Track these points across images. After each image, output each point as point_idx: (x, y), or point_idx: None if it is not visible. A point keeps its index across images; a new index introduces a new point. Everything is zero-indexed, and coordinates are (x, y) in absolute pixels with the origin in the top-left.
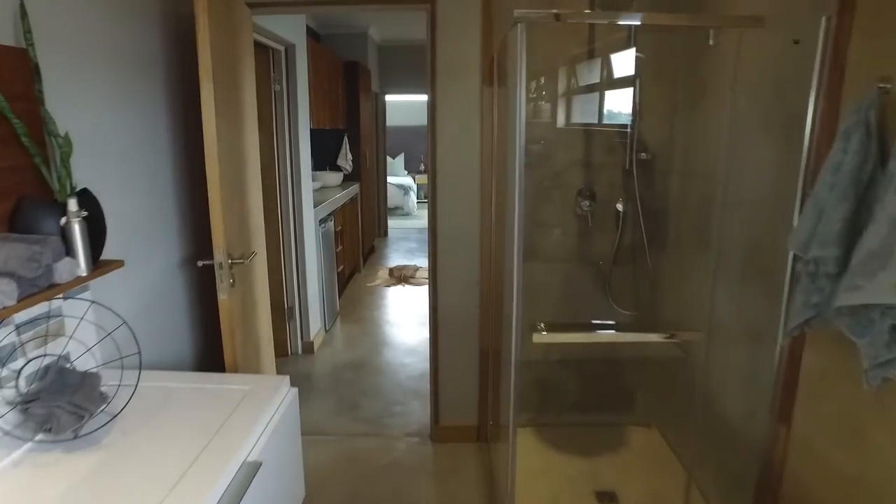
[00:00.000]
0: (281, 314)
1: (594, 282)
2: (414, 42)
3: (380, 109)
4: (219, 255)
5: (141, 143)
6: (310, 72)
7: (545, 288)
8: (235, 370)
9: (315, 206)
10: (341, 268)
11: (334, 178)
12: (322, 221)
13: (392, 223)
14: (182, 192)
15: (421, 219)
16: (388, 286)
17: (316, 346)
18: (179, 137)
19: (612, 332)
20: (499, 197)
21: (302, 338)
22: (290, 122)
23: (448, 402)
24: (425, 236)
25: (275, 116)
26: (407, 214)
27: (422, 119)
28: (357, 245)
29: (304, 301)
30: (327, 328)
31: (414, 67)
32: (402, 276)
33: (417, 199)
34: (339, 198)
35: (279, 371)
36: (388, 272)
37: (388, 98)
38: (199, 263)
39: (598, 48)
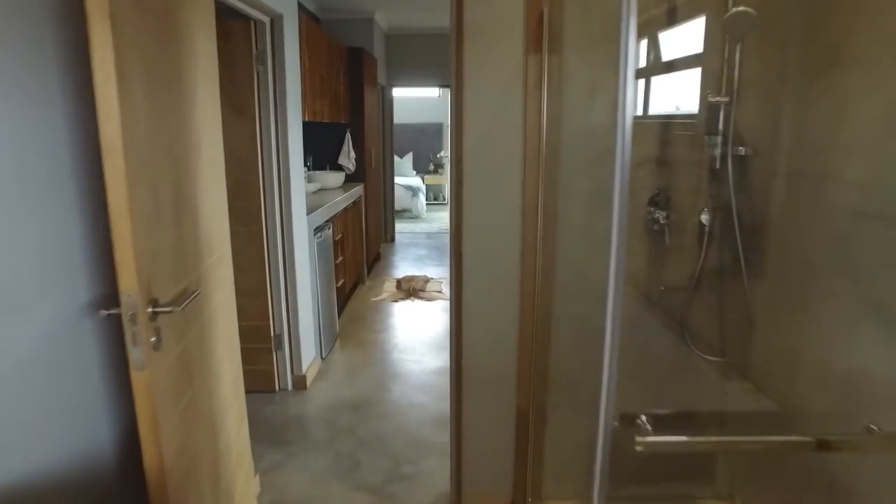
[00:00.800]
0: (266, 343)
1: (666, 317)
2: (424, 30)
3: (386, 104)
4: (129, 301)
5: (16, 143)
6: (303, 53)
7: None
8: (164, 492)
9: (309, 212)
10: (342, 282)
11: (335, 178)
12: (318, 230)
13: (400, 227)
14: (96, 207)
15: (430, 222)
16: (396, 301)
17: (309, 380)
18: (88, 130)
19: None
20: (547, 207)
21: (292, 370)
22: (276, 111)
23: (474, 466)
24: (435, 242)
25: (258, 102)
26: (415, 217)
27: (431, 116)
28: (360, 254)
29: (295, 327)
30: (324, 355)
31: (424, 58)
32: (411, 289)
33: (427, 201)
34: (340, 201)
35: (261, 412)
36: (395, 284)
37: (396, 93)
38: (104, 313)
39: (682, 5)
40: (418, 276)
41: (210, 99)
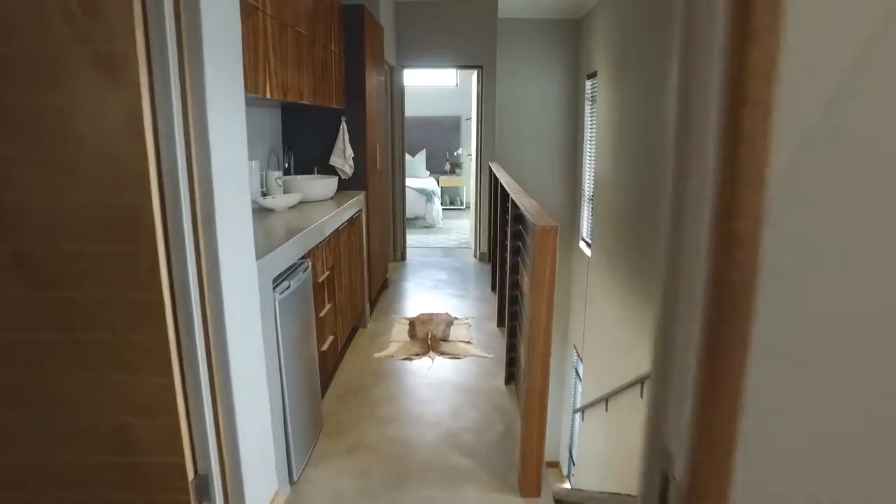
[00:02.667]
0: (180, 494)
1: None
2: None
3: (396, 88)
4: None
5: None
6: None
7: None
8: None
9: (266, 253)
10: (330, 340)
11: (324, 186)
12: (283, 277)
13: (411, 239)
14: None
15: (448, 232)
16: (409, 358)
17: None
18: None
19: None
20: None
21: None
22: (186, 72)
23: None
24: (455, 261)
25: (148, 55)
26: (430, 227)
27: (447, 108)
28: (360, 290)
29: (233, 454)
30: (295, 478)
31: (446, 33)
32: (428, 337)
33: (443, 205)
34: (327, 222)
35: None
36: (407, 327)
37: (408, 80)
38: None
39: None
40: (438, 316)
41: None
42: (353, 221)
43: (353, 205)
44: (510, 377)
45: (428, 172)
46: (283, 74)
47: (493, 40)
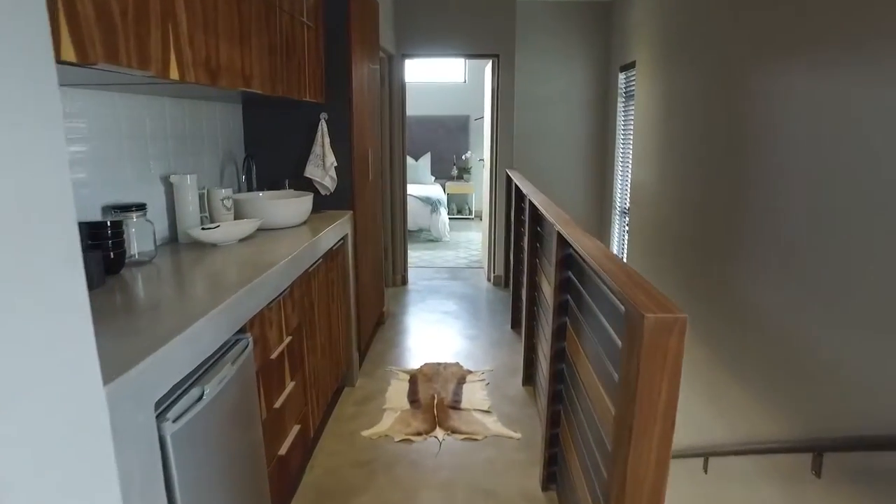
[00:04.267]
0: None
1: None
2: None
3: (396, 82)
4: None
5: None
6: None
7: None
8: None
9: (148, 355)
10: (295, 431)
11: (290, 208)
12: (190, 384)
13: (414, 256)
14: None
15: (456, 248)
16: (409, 438)
17: None
18: None
19: None
20: None
21: None
22: None
23: None
24: (466, 286)
25: None
26: (436, 240)
27: (454, 106)
28: (344, 339)
29: None
30: None
31: (454, 16)
32: (435, 404)
33: (449, 214)
34: (292, 262)
35: None
36: (406, 386)
37: (409, 75)
38: None
39: None
40: (446, 368)
41: None
42: (333, 254)
43: (335, 230)
44: (549, 465)
45: (433, 178)
46: (210, 46)
47: (512, 25)
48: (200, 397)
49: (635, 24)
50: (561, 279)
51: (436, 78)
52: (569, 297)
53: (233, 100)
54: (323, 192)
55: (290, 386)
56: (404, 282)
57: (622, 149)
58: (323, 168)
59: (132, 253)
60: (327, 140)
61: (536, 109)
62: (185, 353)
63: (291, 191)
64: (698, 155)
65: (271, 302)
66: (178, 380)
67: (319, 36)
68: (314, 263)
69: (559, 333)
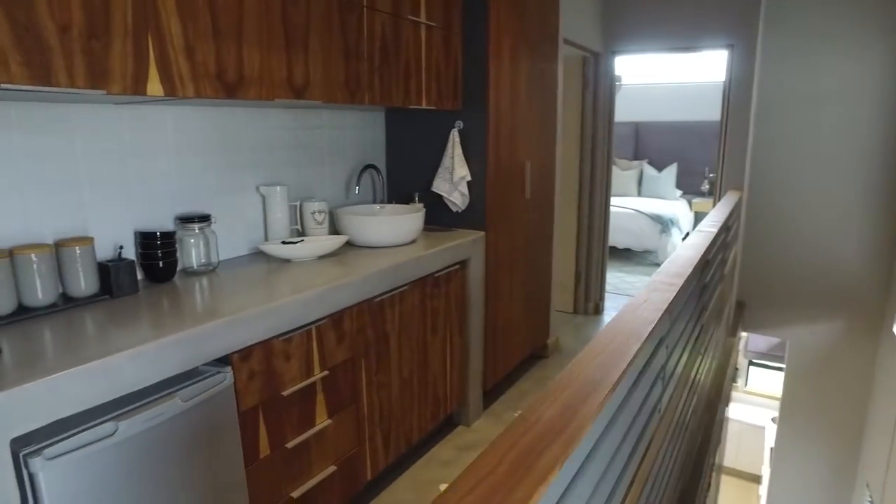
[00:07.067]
0: None
1: None
2: None
3: (602, 82)
4: None
5: None
6: None
7: None
8: None
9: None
10: (308, 487)
11: (383, 226)
12: (134, 408)
13: (627, 280)
14: None
15: None
16: None
17: None
18: None
19: None
20: None
21: None
22: None
23: None
24: None
25: None
26: (656, 265)
27: (704, 111)
28: (455, 377)
29: None
30: None
31: (674, 3)
32: None
33: (683, 237)
34: (321, 293)
35: None
36: None
37: (641, 75)
38: None
39: None
40: None
41: None
42: (438, 280)
43: (446, 253)
44: None
45: (679, 192)
46: (225, 55)
47: (755, 8)
48: (113, 433)
49: None
50: None
51: (687, 78)
52: None
53: (370, 108)
54: (454, 209)
55: (322, 424)
56: (598, 310)
57: None
58: (451, 182)
59: (190, 263)
60: (458, 151)
61: (786, 110)
62: (84, 387)
63: (413, 205)
64: None
65: (286, 333)
66: (71, 414)
67: (453, 36)
68: (391, 291)
69: None
